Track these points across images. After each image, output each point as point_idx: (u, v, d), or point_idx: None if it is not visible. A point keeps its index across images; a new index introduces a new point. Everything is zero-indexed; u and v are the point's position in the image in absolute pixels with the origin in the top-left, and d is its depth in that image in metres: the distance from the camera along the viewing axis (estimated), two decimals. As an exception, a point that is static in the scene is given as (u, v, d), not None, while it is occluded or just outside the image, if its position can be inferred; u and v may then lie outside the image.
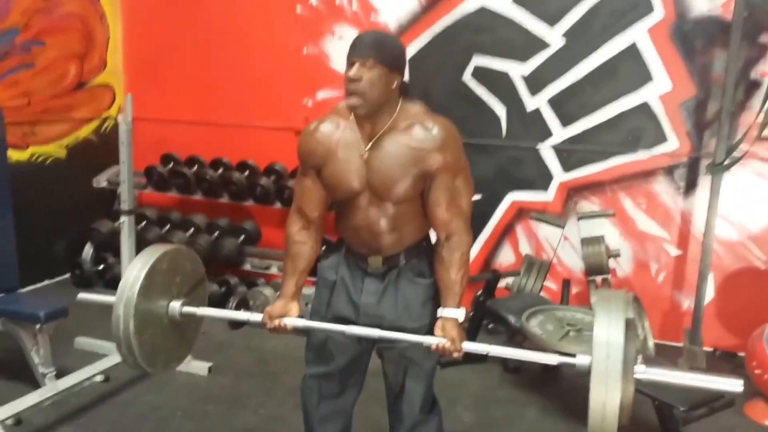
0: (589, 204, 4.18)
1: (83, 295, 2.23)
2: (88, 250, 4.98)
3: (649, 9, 3.94)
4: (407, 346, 2.11)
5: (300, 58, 4.81)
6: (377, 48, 1.91)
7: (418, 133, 1.96)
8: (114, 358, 3.50)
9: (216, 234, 4.88)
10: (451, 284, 2.03)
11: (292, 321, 2.11)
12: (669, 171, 4.04)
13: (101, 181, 5.06)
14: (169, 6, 5.11)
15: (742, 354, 3.86)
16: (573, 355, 3.57)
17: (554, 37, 4.17)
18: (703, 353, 3.63)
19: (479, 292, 3.76)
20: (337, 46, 4.70)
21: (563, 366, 1.89)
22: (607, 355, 1.65)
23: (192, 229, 4.94)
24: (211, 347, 3.98)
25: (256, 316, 2.16)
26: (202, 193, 4.83)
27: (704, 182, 3.94)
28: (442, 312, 2.04)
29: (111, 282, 4.87)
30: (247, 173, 4.77)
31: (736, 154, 3.50)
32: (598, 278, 3.89)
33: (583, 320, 3.24)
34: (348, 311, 2.14)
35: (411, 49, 4.51)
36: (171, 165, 4.96)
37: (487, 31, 4.30)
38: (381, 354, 2.22)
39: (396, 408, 2.26)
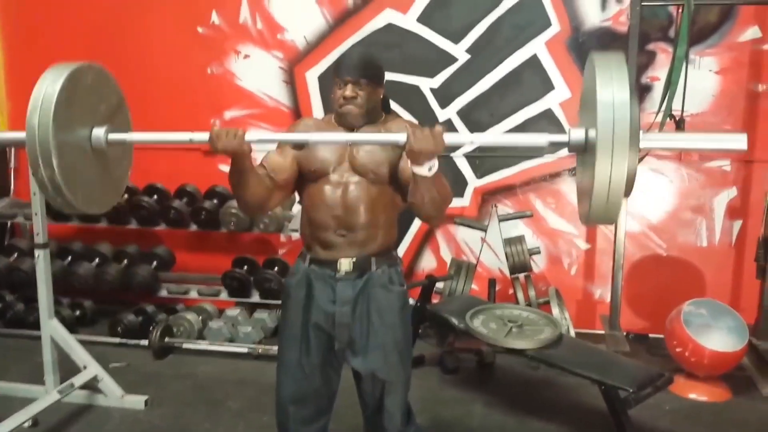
0: (502, 207, 4.43)
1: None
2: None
3: (547, 23, 4.25)
4: (379, 368, 2.17)
5: (205, 78, 4.74)
6: (367, 69, 2.13)
7: (396, 125, 2.17)
8: (41, 402, 3.27)
9: (125, 262, 4.68)
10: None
11: (255, 134, 1.94)
12: (573, 171, 4.36)
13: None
14: (57, 23, 4.84)
15: (652, 335, 4.25)
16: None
17: (459, 52, 4.39)
18: (623, 337, 3.95)
19: (416, 300, 3.88)
20: (243, 65, 4.68)
21: (553, 146, 1.78)
22: (613, 119, 1.47)
23: (97, 259, 4.71)
24: (140, 379, 3.82)
25: (200, 136, 1.91)
26: (107, 220, 4.60)
27: (605, 180, 4.30)
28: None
29: (12, 322, 4.53)
30: (156, 197, 4.61)
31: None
32: (521, 275, 4.13)
33: (521, 316, 3.43)
34: (322, 320, 2.18)
35: (320, 68, 4.58)
36: (70, 193, 4.69)
37: (396, 47, 4.45)
38: (356, 374, 2.25)
39: (377, 423, 2.28)
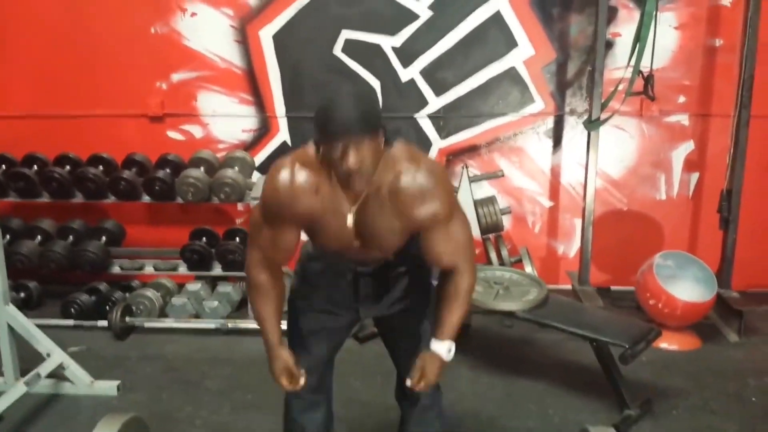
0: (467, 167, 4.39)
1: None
2: None
3: (509, -21, 4.19)
4: (414, 318, 2.13)
5: (149, 38, 4.42)
6: (366, 123, 1.72)
7: (405, 189, 1.81)
8: (8, 397, 3.03)
9: (71, 239, 4.38)
10: (449, 318, 1.97)
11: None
12: (537, 130, 4.37)
13: None
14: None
15: (614, 288, 4.37)
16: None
17: (422, 8, 4.26)
18: (595, 292, 4.03)
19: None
20: (190, 23, 4.39)
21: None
22: None
23: (39, 237, 4.39)
24: (106, 364, 3.62)
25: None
26: (50, 194, 4.27)
27: (569, 137, 4.34)
28: (431, 344, 1.99)
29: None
30: (101, 168, 4.31)
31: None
32: (492, 236, 4.13)
33: (504, 277, 3.44)
34: (340, 305, 2.10)
35: (275, 26, 4.36)
36: (3, 167, 4.33)
37: (355, 4, 4.27)
38: (388, 336, 2.22)
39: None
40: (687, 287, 3.61)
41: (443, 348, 1.98)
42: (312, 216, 1.85)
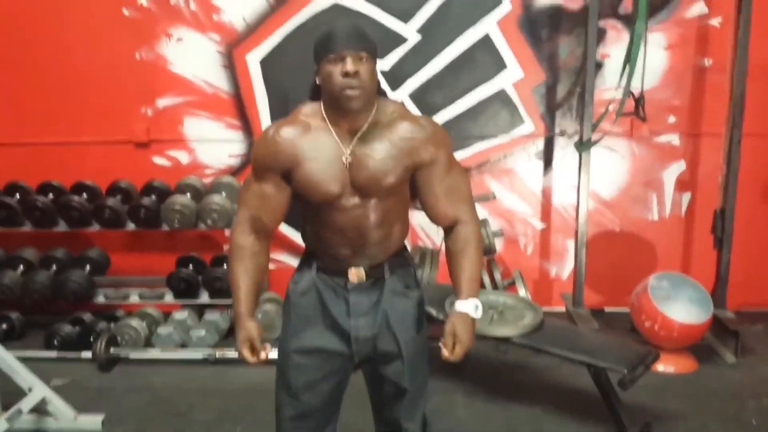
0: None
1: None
2: None
3: (497, 2, 4.17)
4: (401, 372, 1.99)
5: (133, 63, 4.37)
6: (365, 39, 1.80)
7: (406, 127, 1.85)
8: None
9: (54, 268, 4.28)
10: (464, 274, 1.91)
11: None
12: (527, 151, 4.34)
13: None
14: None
15: (608, 309, 4.32)
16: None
17: (410, 32, 4.24)
18: (589, 315, 3.97)
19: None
20: (176, 49, 4.34)
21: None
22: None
23: (22, 266, 4.28)
24: (90, 396, 3.50)
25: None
26: (32, 223, 4.18)
27: (559, 159, 4.31)
28: (454, 305, 1.92)
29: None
30: (86, 195, 4.23)
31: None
32: (484, 259, 4.08)
33: (498, 301, 3.37)
34: (334, 342, 1.97)
35: (262, 51, 4.32)
36: (-16, 197, 4.24)
37: (342, 28, 4.24)
38: (375, 385, 2.09)
39: None
40: (682, 308, 3.55)
41: (470, 306, 1.89)
42: (296, 157, 1.84)
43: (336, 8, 4.22)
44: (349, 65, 1.73)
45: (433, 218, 1.97)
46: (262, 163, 1.89)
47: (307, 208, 1.96)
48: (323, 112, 1.87)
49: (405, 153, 1.84)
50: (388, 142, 1.84)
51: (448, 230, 1.97)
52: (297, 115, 1.91)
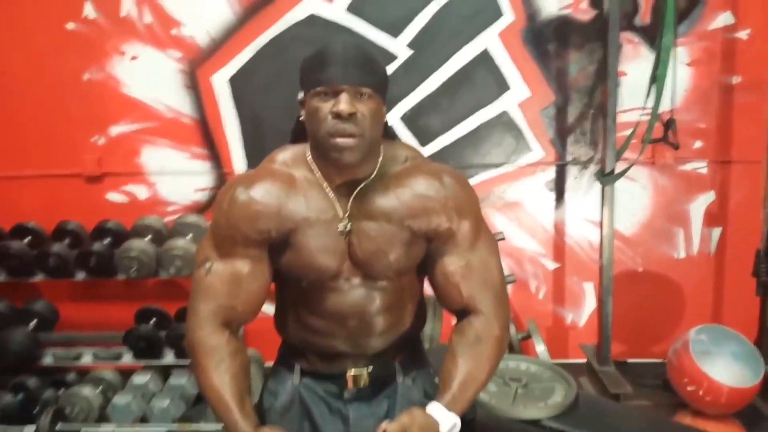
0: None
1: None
2: None
3: (497, 13, 3.66)
4: None
5: (81, 86, 3.78)
6: (370, 69, 1.33)
7: (421, 183, 1.40)
8: None
9: (-10, 325, 3.66)
10: (459, 376, 1.40)
11: None
12: (537, 182, 3.83)
13: None
14: None
15: (632, 360, 3.82)
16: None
17: (400, 47, 3.72)
18: (620, 377, 3.41)
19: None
20: (131, 68, 3.76)
21: None
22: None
23: (-49, 325, 3.66)
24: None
25: None
26: (-37, 274, 3.57)
27: (573, 190, 3.81)
28: (428, 405, 1.40)
29: None
30: (29, 239, 3.63)
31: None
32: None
33: (520, 369, 2.82)
34: None
35: (230, 69, 3.77)
36: None
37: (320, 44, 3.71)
38: None
39: None
40: (726, 366, 3.07)
41: (446, 421, 1.36)
42: (280, 226, 1.36)
43: (313, 20, 3.68)
44: (344, 104, 1.28)
45: (443, 301, 1.48)
46: (233, 234, 1.38)
47: (288, 287, 1.48)
48: (310, 160, 1.40)
49: (413, 216, 1.37)
50: (396, 202, 1.37)
51: (460, 315, 1.48)
52: (271, 164, 1.44)
